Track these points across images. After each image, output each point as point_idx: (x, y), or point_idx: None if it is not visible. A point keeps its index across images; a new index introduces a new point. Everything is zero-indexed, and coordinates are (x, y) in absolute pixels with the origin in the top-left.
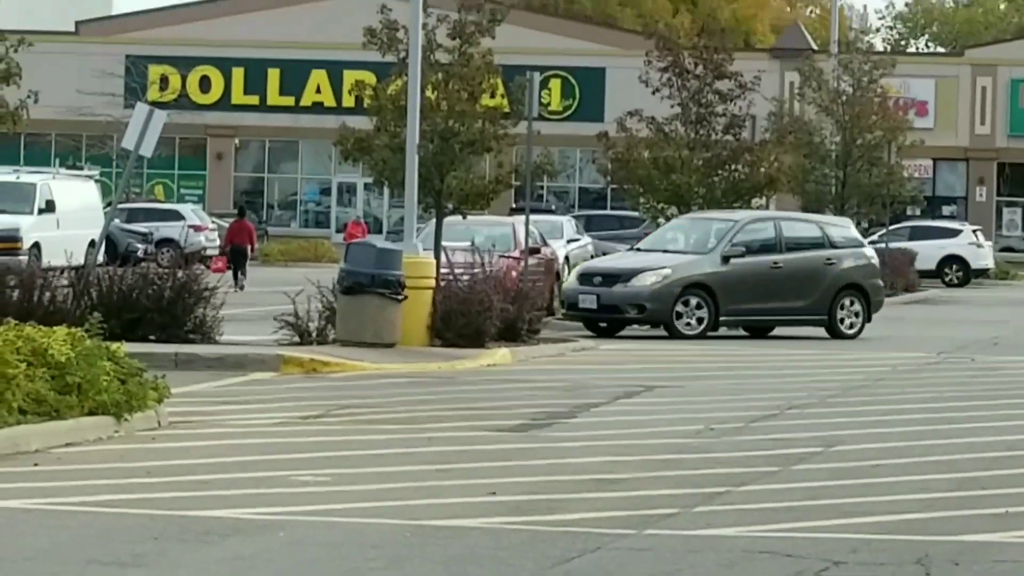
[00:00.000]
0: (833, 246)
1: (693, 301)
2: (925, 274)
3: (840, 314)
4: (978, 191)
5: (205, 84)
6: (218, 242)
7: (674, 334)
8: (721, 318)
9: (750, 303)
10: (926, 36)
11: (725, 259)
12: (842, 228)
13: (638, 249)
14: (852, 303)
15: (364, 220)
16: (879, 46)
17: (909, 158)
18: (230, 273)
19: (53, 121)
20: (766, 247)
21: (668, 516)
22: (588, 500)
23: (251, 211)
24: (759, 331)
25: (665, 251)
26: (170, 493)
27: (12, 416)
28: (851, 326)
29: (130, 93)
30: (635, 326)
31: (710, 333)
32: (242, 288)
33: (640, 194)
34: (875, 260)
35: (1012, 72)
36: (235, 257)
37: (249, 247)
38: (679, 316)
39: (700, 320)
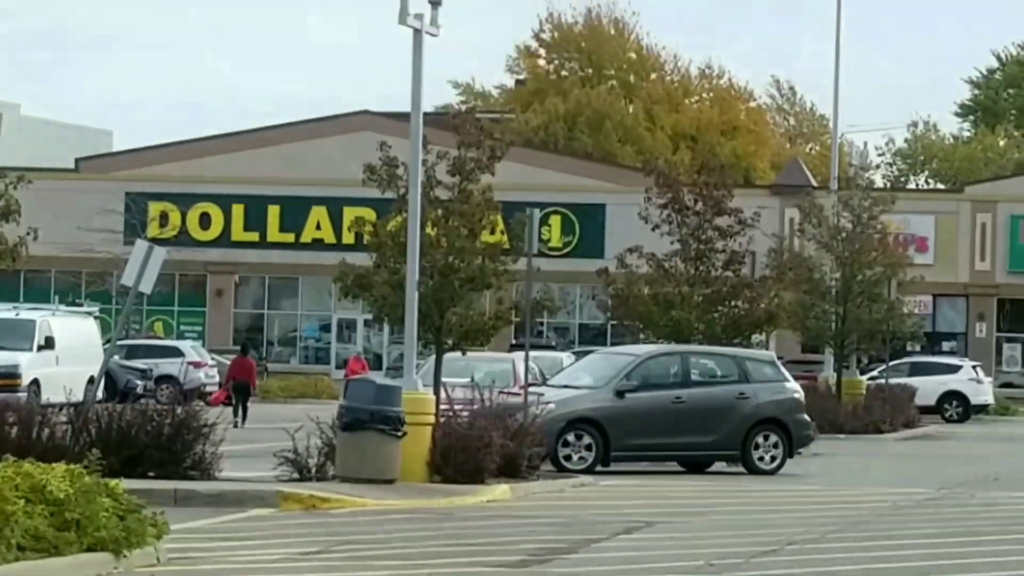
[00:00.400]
0: (748, 380)
1: (580, 435)
2: (925, 410)
3: (756, 451)
4: (978, 327)
5: (205, 221)
6: (217, 378)
7: (559, 467)
8: (613, 453)
9: (648, 438)
10: (926, 172)
11: (619, 394)
12: (761, 363)
13: (549, 384)
14: (768, 438)
15: (364, 356)
16: (879, 182)
17: (909, 294)
18: (230, 410)
19: (53, 257)
20: (670, 382)
21: None
22: None
23: (252, 347)
24: (696, 466)
25: (567, 386)
26: None
27: (11, 553)
28: (771, 460)
29: (130, 229)
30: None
31: (602, 468)
32: (239, 425)
33: (640, 330)
34: (798, 395)
35: (1012, 208)
36: (237, 393)
37: (251, 384)
38: (566, 448)
39: (588, 455)
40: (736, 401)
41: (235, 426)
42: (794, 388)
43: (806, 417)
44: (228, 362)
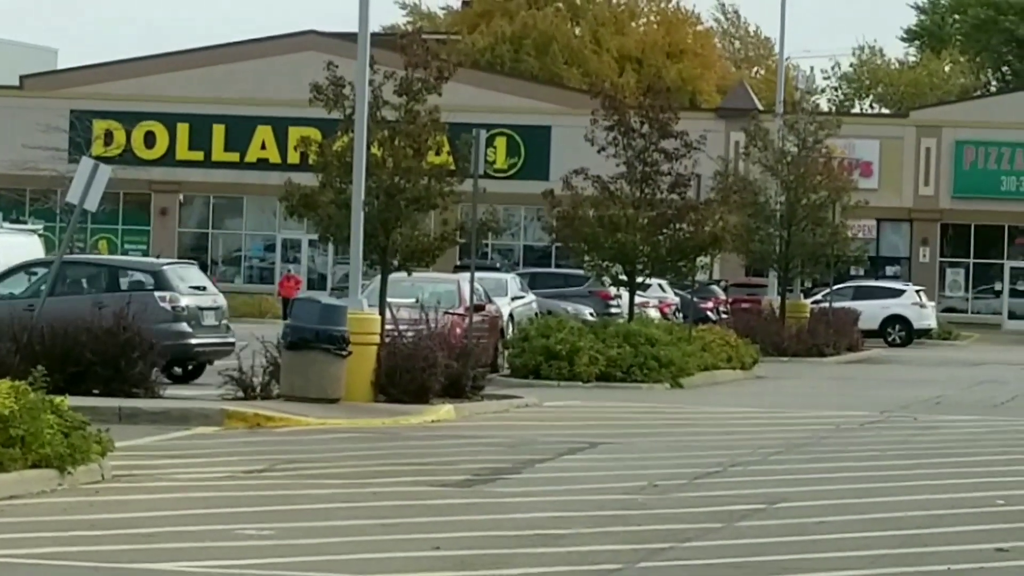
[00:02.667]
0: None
1: None
2: (868, 334)
3: None
4: (922, 252)
5: (150, 139)
6: None
7: None
8: None
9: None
10: (871, 97)
11: None
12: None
13: None
14: None
15: (307, 276)
16: (824, 107)
17: (853, 218)
18: None
19: None
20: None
21: (612, 572)
22: (532, 555)
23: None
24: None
25: None
26: (114, 546)
27: None
28: None
29: (74, 148)
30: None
31: None
32: None
33: (585, 252)
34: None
35: (957, 133)
36: None
37: None
38: None
39: None
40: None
41: None
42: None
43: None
44: None
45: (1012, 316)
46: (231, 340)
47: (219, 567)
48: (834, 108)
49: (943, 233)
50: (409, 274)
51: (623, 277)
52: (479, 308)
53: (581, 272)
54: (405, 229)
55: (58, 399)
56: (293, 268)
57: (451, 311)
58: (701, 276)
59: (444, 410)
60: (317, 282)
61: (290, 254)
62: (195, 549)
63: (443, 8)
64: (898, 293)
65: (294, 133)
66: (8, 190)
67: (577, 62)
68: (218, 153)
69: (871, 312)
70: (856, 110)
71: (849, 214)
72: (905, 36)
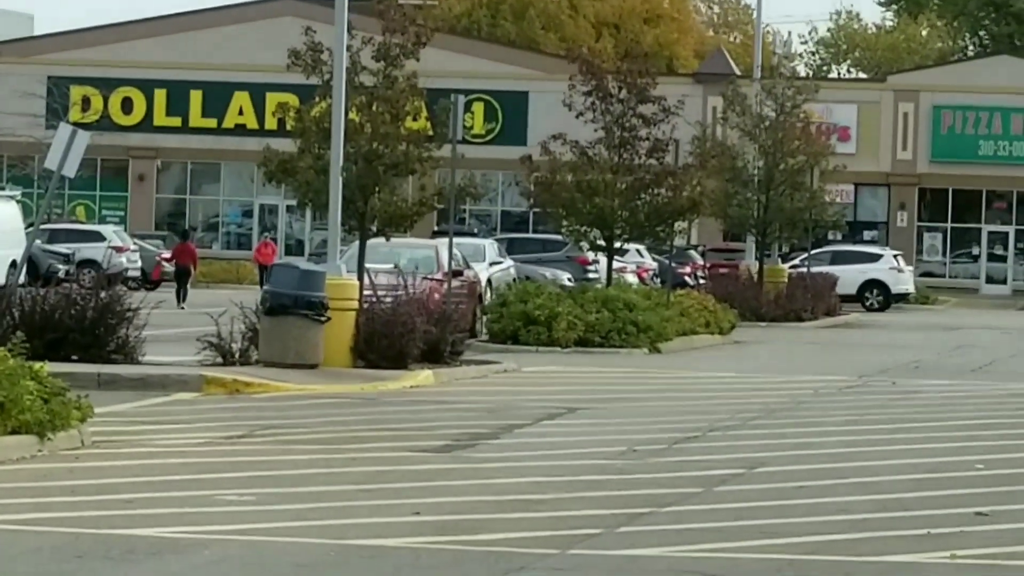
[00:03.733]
0: None
1: None
2: (846, 298)
3: None
4: (899, 216)
5: (127, 105)
6: (139, 264)
7: None
8: None
9: None
10: (848, 62)
11: None
12: None
13: None
14: None
15: (284, 242)
16: (802, 71)
17: (831, 183)
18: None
19: None
20: None
21: (591, 536)
22: (512, 520)
23: (174, 232)
24: None
25: None
26: (94, 512)
27: None
28: None
29: (52, 114)
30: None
31: None
32: (181, 307)
33: (563, 217)
34: None
35: (934, 98)
36: (178, 277)
37: (192, 267)
38: None
39: None
40: None
41: (180, 308)
42: None
43: None
44: (150, 247)
45: (990, 280)
46: None
47: (199, 532)
48: (811, 73)
49: (921, 198)
50: (387, 239)
51: (601, 242)
52: (457, 273)
53: (559, 237)
54: (383, 195)
55: (37, 365)
56: (270, 234)
57: (429, 276)
58: (679, 241)
59: (423, 375)
60: (295, 248)
61: (268, 220)
62: (175, 515)
63: None
64: (876, 258)
65: (272, 99)
66: None
67: (554, 27)
68: (196, 119)
69: (849, 277)
70: (833, 75)
71: (827, 179)
72: (882, 1)
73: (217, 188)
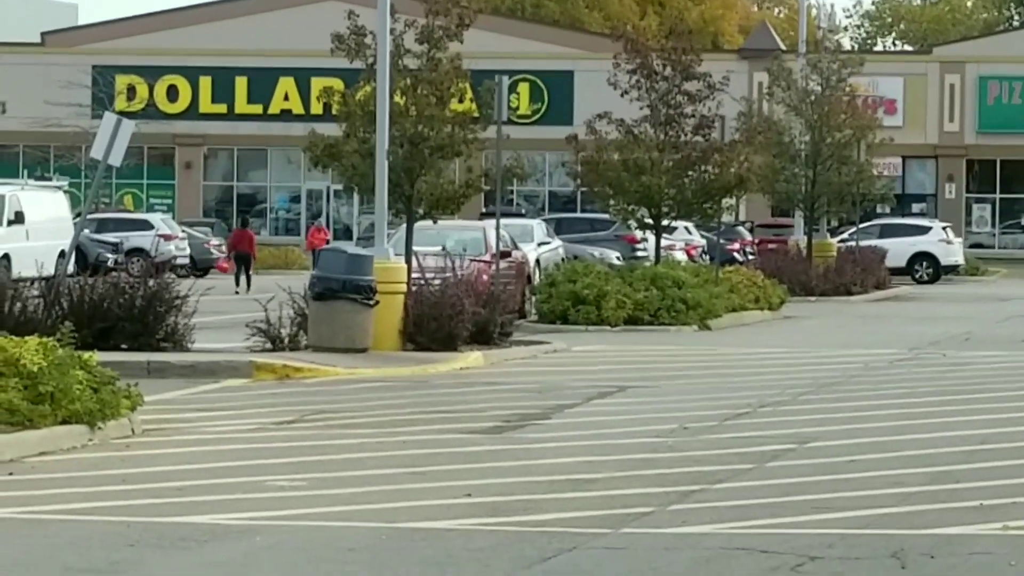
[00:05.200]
0: None
1: None
2: (895, 271)
3: None
4: (947, 188)
5: (172, 93)
6: (187, 251)
7: None
8: None
9: None
10: (894, 34)
11: None
12: None
13: None
14: None
15: (332, 226)
16: (847, 45)
17: (878, 156)
18: (202, 281)
19: (20, 132)
20: None
21: (643, 515)
22: (563, 500)
23: (222, 220)
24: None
25: None
26: (146, 500)
27: None
28: None
29: (97, 103)
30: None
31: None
32: (244, 292)
33: (610, 196)
34: None
35: (980, 69)
36: (238, 263)
37: (251, 254)
38: None
39: None
40: None
41: (239, 293)
42: None
43: None
44: (198, 235)
45: None
46: None
47: (251, 519)
48: (856, 46)
49: (968, 169)
50: (435, 222)
51: (649, 220)
52: (505, 255)
53: (607, 216)
54: (430, 177)
55: (87, 355)
56: (321, 220)
57: (477, 258)
58: (727, 218)
59: (472, 357)
60: (342, 233)
61: (315, 205)
62: (226, 501)
63: None
64: (925, 230)
65: (317, 84)
66: (32, 147)
67: (598, 5)
68: (241, 105)
69: (898, 250)
70: (879, 48)
71: (874, 152)
72: None
73: (264, 174)
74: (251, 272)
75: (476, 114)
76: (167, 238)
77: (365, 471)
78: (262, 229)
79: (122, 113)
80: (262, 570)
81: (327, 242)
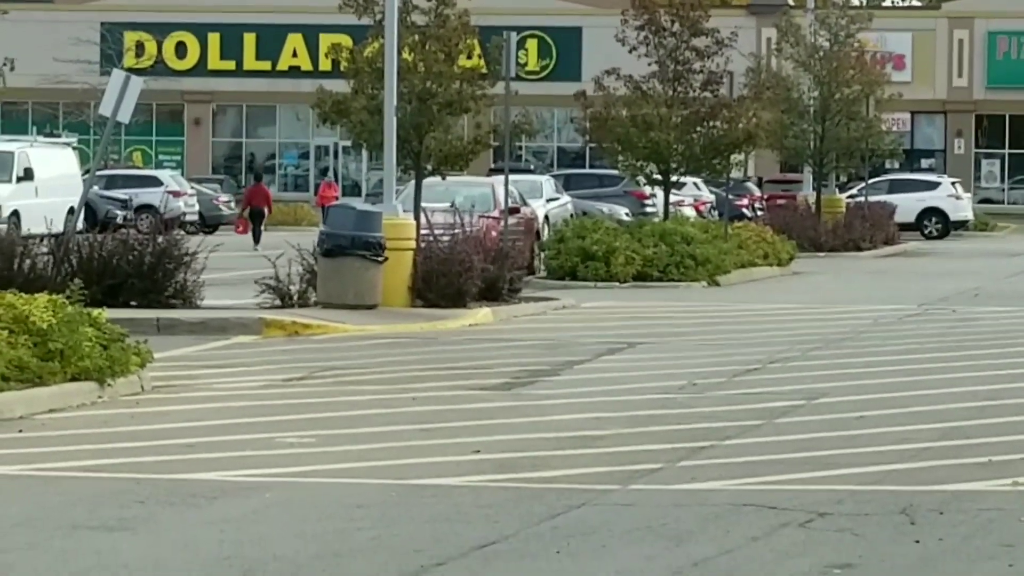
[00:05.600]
0: None
1: None
2: (904, 227)
3: None
4: (956, 143)
5: (181, 50)
6: (197, 207)
7: None
8: None
9: None
10: None
11: None
12: None
13: None
14: None
15: (340, 183)
16: (855, 0)
17: (887, 112)
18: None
19: (29, 89)
20: None
21: (652, 471)
22: (572, 457)
23: (231, 176)
24: None
25: None
26: (155, 457)
27: None
28: None
29: (106, 60)
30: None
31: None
32: (257, 249)
33: (619, 152)
34: None
35: (989, 24)
36: (253, 218)
37: (266, 209)
38: None
39: None
40: None
41: (255, 249)
42: None
43: None
44: (207, 191)
45: None
46: None
47: (260, 475)
48: (865, 1)
49: (977, 124)
50: (443, 178)
51: (657, 176)
52: (514, 211)
53: (616, 172)
54: (438, 133)
55: (96, 312)
56: (332, 176)
57: (486, 214)
58: (736, 173)
59: (481, 314)
60: (351, 189)
61: (324, 161)
62: (236, 458)
63: None
64: (934, 186)
65: (325, 40)
66: (41, 104)
67: None
68: (250, 62)
69: (907, 205)
70: (887, 3)
71: (883, 107)
72: None
73: (273, 131)
74: (262, 228)
75: (484, 70)
76: (176, 194)
77: (374, 428)
78: (271, 186)
79: (130, 70)
80: (272, 527)
81: (337, 198)
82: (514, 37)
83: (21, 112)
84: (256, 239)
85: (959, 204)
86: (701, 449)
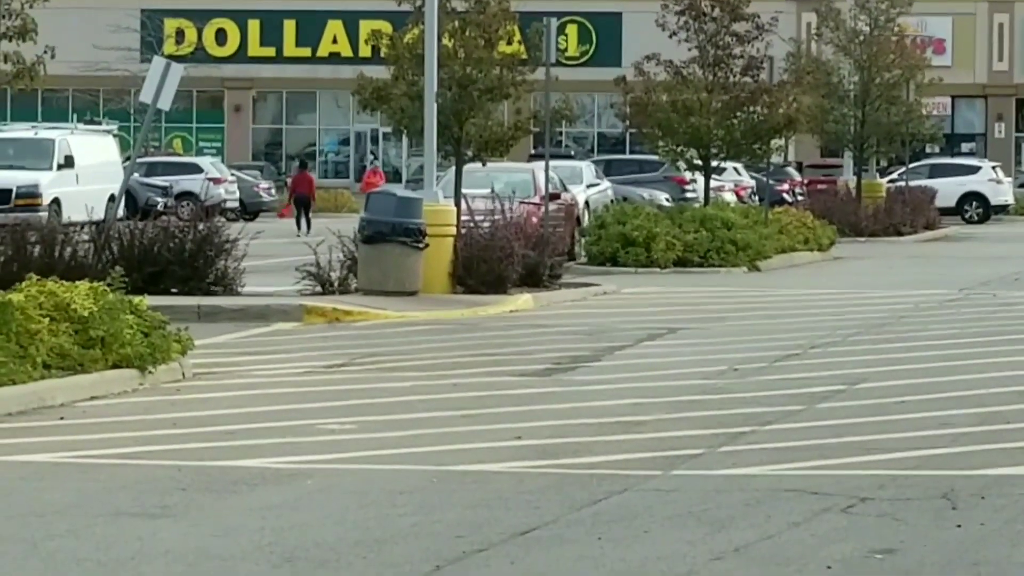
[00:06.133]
0: None
1: None
2: (945, 211)
3: None
4: (997, 128)
5: (221, 37)
6: (237, 194)
7: None
8: None
9: None
10: None
11: None
12: None
13: None
14: None
15: (383, 169)
16: None
17: (927, 96)
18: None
19: (70, 77)
20: None
21: (694, 456)
22: (614, 442)
23: (271, 163)
24: None
25: None
26: (196, 444)
27: (36, 371)
28: None
29: (146, 47)
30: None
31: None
32: (302, 235)
33: (659, 138)
34: None
35: None
36: (298, 206)
37: (310, 196)
38: None
39: None
40: None
41: (300, 235)
42: None
43: None
44: (248, 178)
45: None
46: None
47: (302, 462)
48: None
49: (1018, 108)
50: (484, 164)
51: (698, 162)
52: (555, 196)
53: (656, 158)
54: (478, 119)
55: (137, 299)
56: (378, 162)
57: (527, 200)
58: (776, 158)
59: (522, 300)
60: (391, 175)
61: (364, 147)
62: (277, 445)
63: None
64: (974, 170)
65: (365, 26)
66: (82, 91)
67: None
68: (290, 49)
69: (947, 190)
70: None
71: (923, 92)
72: None
73: (313, 117)
74: (310, 215)
75: (524, 56)
76: (217, 181)
77: (415, 414)
78: (312, 172)
79: (171, 57)
80: (313, 513)
81: (381, 185)
82: (554, 23)
83: (62, 99)
84: (301, 225)
85: (1000, 188)
86: (742, 434)
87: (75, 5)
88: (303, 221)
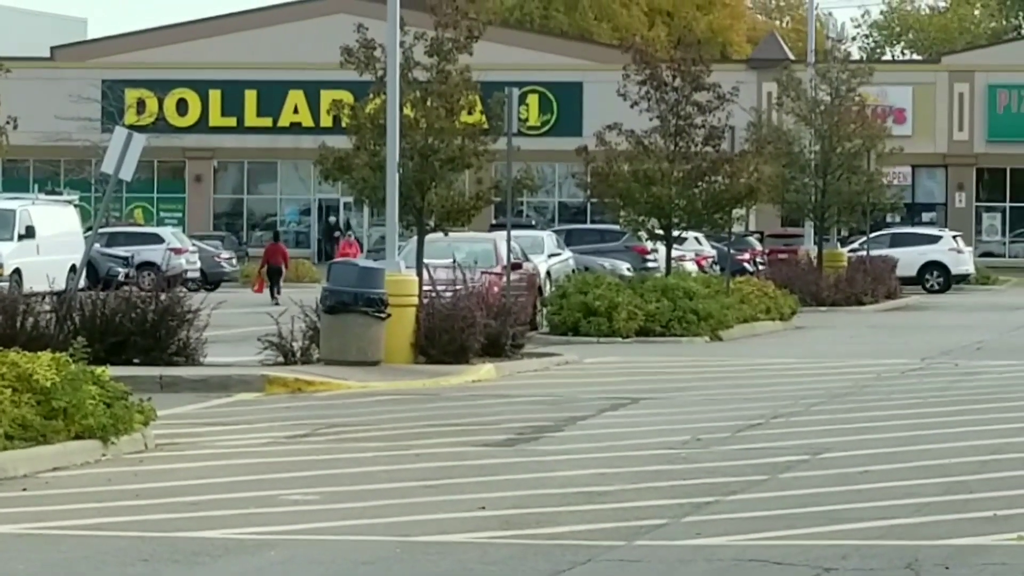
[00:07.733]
0: None
1: None
2: (906, 281)
3: None
4: (957, 197)
5: (182, 107)
6: (198, 264)
7: None
8: None
9: None
10: (902, 43)
11: None
12: None
13: None
14: None
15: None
16: (856, 54)
17: (888, 165)
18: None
19: (31, 147)
20: None
21: (657, 527)
22: (577, 513)
23: (232, 232)
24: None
25: None
26: (159, 515)
27: None
28: None
29: (107, 117)
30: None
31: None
32: (277, 303)
33: (620, 207)
34: None
35: (989, 78)
36: (271, 275)
37: (283, 266)
38: None
39: None
40: None
41: (274, 304)
42: None
43: None
44: (209, 248)
45: None
46: None
47: (265, 533)
48: (865, 56)
49: (978, 178)
50: (445, 234)
51: (659, 231)
52: (516, 266)
53: (617, 227)
54: (440, 189)
55: (99, 370)
56: (352, 233)
57: (488, 270)
58: (737, 228)
59: (484, 370)
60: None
61: (334, 219)
62: (240, 516)
63: None
64: (935, 239)
65: (326, 96)
66: (43, 162)
67: (607, 16)
68: (251, 119)
69: (908, 259)
70: (888, 57)
71: (884, 161)
72: None
73: (274, 187)
74: (281, 282)
75: (486, 126)
76: (178, 252)
77: (378, 484)
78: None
79: (132, 127)
80: None
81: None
82: (516, 92)
83: (23, 170)
84: (273, 295)
85: (960, 258)
86: (706, 504)
87: (37, 76)
88: (275, 290)
